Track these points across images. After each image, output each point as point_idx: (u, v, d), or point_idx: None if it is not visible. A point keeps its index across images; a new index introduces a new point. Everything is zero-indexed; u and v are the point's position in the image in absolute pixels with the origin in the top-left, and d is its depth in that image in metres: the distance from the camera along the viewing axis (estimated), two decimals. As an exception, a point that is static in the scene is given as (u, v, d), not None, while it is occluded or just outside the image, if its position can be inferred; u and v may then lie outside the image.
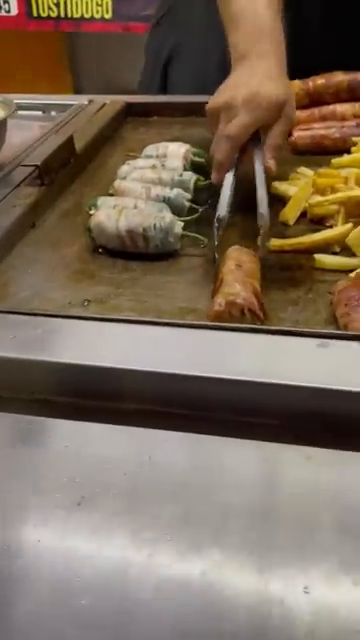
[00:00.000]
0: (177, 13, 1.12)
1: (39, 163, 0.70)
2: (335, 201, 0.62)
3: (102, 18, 2.11)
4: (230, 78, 0.72)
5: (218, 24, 0.88)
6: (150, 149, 0.80)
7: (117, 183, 0.69)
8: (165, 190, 0.67)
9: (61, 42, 2.37)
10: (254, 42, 0.73)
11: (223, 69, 0.88)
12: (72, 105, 1.04)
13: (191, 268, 0.59)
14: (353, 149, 0.81)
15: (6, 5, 2.16)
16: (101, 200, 0.66)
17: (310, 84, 0.90)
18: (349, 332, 0.44)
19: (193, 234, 0.59)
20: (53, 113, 1.07)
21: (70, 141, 0.79)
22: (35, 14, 2.15)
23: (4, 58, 2.39)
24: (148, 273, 0.58)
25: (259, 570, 0.32)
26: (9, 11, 2.17)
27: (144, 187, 0.68)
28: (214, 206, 0.71)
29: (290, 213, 0.66)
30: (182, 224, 0.59)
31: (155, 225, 0.58)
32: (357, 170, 0.66)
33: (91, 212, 0.65)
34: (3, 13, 2.17)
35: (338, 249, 0.59)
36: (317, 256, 0.57)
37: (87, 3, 2.09)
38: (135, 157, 0.82)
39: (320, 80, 0.89)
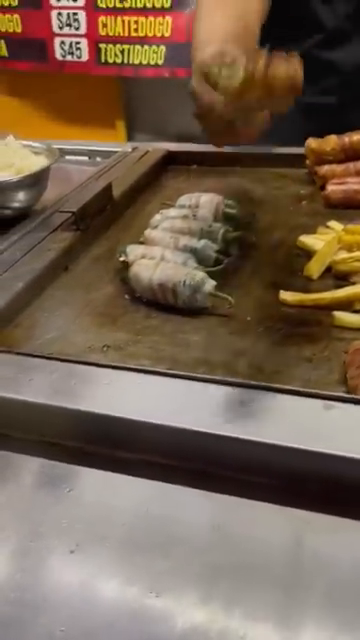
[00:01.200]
0: None
1: (75, 210, 0.74)
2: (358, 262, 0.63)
3: (156, 64, 2.23)
4: None
5: None
6: (184, 199, 0.83)
7: (148, 232, 0.72)
8: (193, 240, 0.69)
9: (117, 87, 2.50)
10: None
11: None
12: (116, 152, 1.09)
13: (211, 322, 0.60)
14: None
15: (78, 52, 2.32)
16: (130, 248, 0.68)
17: (346, 140, 0.91)
18: (356, 396, 0.44)
19: (222, 295, 0.60)
20: (98, 159, 1.12)
21: (108, 188, 0.83)
22: (103, 60, 2.30)
23: (64, 101, 2.54)
24: (168, 322, 0.60)
25: (242, 638, 0.31)
26: (80, 57, 2.33)
27: (172, 237, 0.70)
28: (242, 257, 0.73)
29: (314, 267, 0.67)
30: (213, 283, 0.60)
31: (185, 282, 0.59)
32: (384, 228, 0.66)
33: (121, 259, 0.68)
34: (75, 59, 2.33)
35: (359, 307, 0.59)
36: (336, 313, 0.57)
37: (146, 51, 2.22)
38: (170, 205, 0.85)
39: (356, 136, 0.91)
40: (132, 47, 2.24)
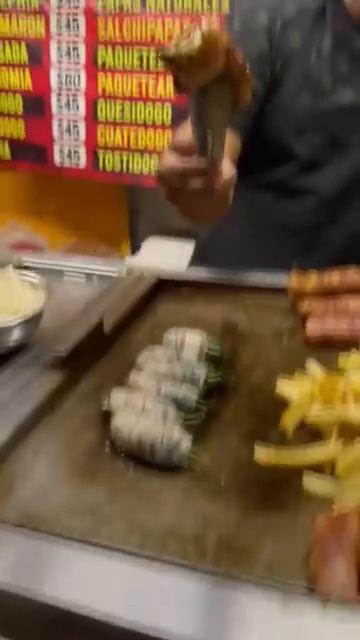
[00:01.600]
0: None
1: (65, 352, 0.77)
2: (329, 418, 0.66)
3: (157, 173, 2.36)
4: None
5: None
6: (171, 332, 0.87)
7: (132, 376, 0.76)
8: (174, 387, 0.73)
9: (122, 189, 2.64)
10: None
11: None
12: (112, 276, 1.16)
13: (187, 480, 0.62)
14: (361, 348, 0.86)
15: (76, 158, 2.46)
16: (114, 394, 0.72)
17: (325, 279, 0.97)
18: (316, 590, 0.45)
19: (197, 455, 0.63)
20: (94, 280, 1.18)
21: (100, 324, 0.87)
22: (101, 167, 2.43)
23: (68, 201, 2.68)
24: (145, 478, 0.62)
25: None
26: (78, 163, 2.47)
27: (156, 381, 0.73)
28: (222, 401, 0.76)
29: (289, 421, 0.70)
30: (188, 443, 0.63)
31: (162, 442, 0.62)
32: (356, 385, 0.70)
33: (104, 408, 0.71)
34: (72, 165, 2.47)
35: (328, 470, 0.61)
36: (305, 479, 0.59)
37: (147, 161, 2.36)
38: (158, 337, 0.89)
39: (335, 276, 0.97)
40: (131, 156, 2.38)
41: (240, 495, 0.59)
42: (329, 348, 0.90)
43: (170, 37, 2.16)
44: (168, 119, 2.27)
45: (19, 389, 0.74)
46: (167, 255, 2.40)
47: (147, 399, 0.70)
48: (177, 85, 0.61)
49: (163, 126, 2.29)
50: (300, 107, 1.08)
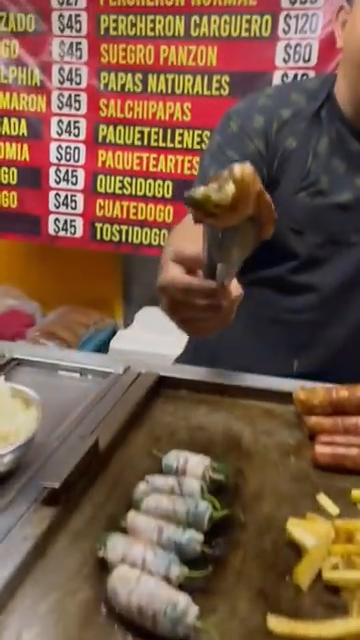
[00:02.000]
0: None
1: (57, 485, 0.71)
2: (350, 581, 0.60)
3: (158, 245, 2.36)
4: None
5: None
6: (172, 458, 0.82)
7: (131, 517, 0.69)
8: (178, 532, 0.67)
9: (117, 256, 2.63)
10: None
11: None
12: (108, 372, 1.10)
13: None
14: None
15: (72, 229, 2.45)
16: (110, 541, 0.65)
17: (333, 394, 0.93)
18: None
19: (206, 628, 0.56)
20: (90, 377, 1.13)
21: (94, 445, 0.81)
22: (98, 237, 2.43)
23: (63, 267, 2.66)
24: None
25: None
26: (74, 233, 2.46)
27: (156, 527, 0.67)
28: (229, 543, 0.70)
29: (303, 576, 0.63)
30: (196, 612, 0.56)
31: (166, 612, 0.55)
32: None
33: (100, 553, 0.65)
34: (69, 235, 2.46)
35: (352, 649, 0.55)
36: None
37: (146, 232, 2.36)
38: (158, 457, 0.84)
39: (343, 392, 0.93)
40: (130, 228, 2.38)
41: None
42: (339, 470, 0.85)
43: (171, 116, 2.21)
44: (169, 194, 2.28)
45: (6, 530, 0.67)
46: (161, 328, 2.37)
47: (147, 551, 0.63)
48: (198, 221, 0.58)
49: (164, 200, 2.30)
50: (299, 207, 1.08)
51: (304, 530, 0.70)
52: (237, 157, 1.06)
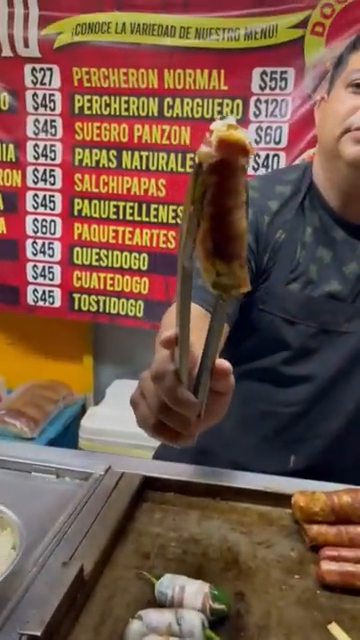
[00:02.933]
0: None
1: (39, 633, 0.62)
2: None
3: (134, 316, 2.32)
4: None
5: None
6: (166, 585, 0.73)
7: (125, 672, 0.60)
8: None
9: (89, 326, 2.57)
10: None
11: None
12: (87, 473, 1.02)
13: None
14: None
15: (50, 299, 2.41)
16: None
17: (335, 500, 0.87)
18: None
19: None
20: (67, 479, 1.04)
21: (79, 574, 0.72)
22: (76, 308, 2.38)
23: (29, 339, 2.59)
24: None
25: None
26: (53, 303, 2.41)
27: None
28: None
29: None
30: None
31: None
32: None
33: None
34: (47, 305, 2.42)
35: None
36: None
37: (123, 303, 2.33)
38: (147, 579, 0.75)
39: (345, 497, 0.87)
40: (108, 298, 2.35)
41: None
42: (347, 590, 0.78)
43: (146, 192, 2.22)
44: (145, 266, 2.27)
45: None
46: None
47: None
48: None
49: (140, 272, 2.29)
50: (290, 297, 1.06)
51: None
52: None
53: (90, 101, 2.22)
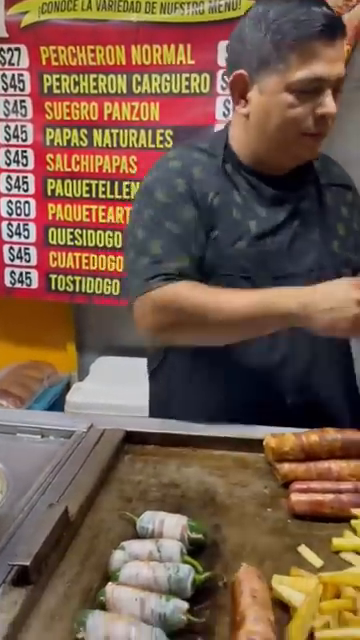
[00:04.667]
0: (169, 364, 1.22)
1: (28, 562, 0.66)
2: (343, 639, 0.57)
3: (111, 294, 2.35)
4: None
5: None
6: (146, 520, 0.78)
7: (109, 590, 0.65)
8: (161, 603, 0.63)
9: (69, 306, 2.59)
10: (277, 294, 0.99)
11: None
12: (71, 431, 1.06)
13: None
14: (353, 523, 0.80)
15: (28, 280, 2.42)
16: (90, 620, 0.61)
17: (304, 439, 0.92)
18: None
19: None
20: (52, 438, 1.08)
21: (64, 515, 0.77)
22: (53, 288, 2.40)
23: (12, 320, 2.60)
24: None
25: None
26: (30, 285, 2.43)
27: (138, 598, 0.63)
28: (213, 610, 0.66)
29: (297, 637, 0.61)
30: None
31: None
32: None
33: (79, 636, 0.60)
34: (24, 286, 2.43)
35: None
36: None
37: (99, 282, 2.35)
38: (130, 520, 0.80)
39: (313, 436, 0.92)
40: (84, 278, 2.37)
41: None
42: (317, 518, 0.84)
43: (118, 169, 2.24)
44: (119, 244, 2.29)
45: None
46: (118, 378, 2.32)
47: (131, 627, 0.59)
48: None
49: (114, 250, 2.31)
50: (240, 255, 1.09)
51: (290, 587, 0.67)
52: (176, 226, 1.07)
53: (59, 80, 2.22)
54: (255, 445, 1.00)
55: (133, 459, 1.01)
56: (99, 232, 2.32)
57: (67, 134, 2.26)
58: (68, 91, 2.21)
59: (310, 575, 0.69)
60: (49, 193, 2.33)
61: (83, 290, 2.38)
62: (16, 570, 0.67)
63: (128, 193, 2.25)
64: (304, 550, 0.76)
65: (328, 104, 1.00)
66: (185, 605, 0.63)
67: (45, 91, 2.24)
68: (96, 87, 2.18)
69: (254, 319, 1.00)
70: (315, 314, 0.94)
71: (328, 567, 0.73)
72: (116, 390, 2.22)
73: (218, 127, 2.06)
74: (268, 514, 0.86)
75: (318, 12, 0.97)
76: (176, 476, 0.96)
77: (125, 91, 2.15)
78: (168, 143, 2.18)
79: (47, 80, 2.23)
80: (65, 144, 2.27)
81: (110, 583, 0.66)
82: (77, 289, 2.38)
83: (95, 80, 2.18)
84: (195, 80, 2.07)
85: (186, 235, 1.07)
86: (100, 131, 2.22)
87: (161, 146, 2.17)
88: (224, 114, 2.06)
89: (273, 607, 0.65)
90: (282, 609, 0.66)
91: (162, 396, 1.24)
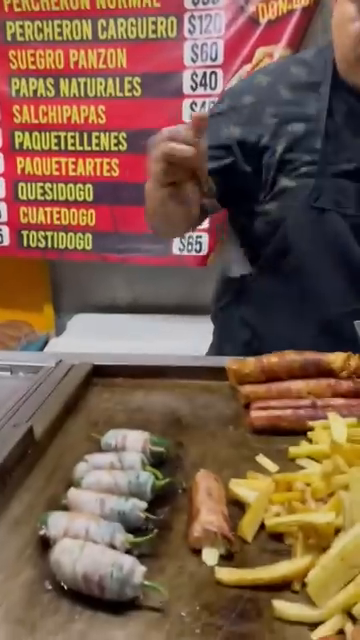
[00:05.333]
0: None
1: (-7, 472, 0.69)
2: (292, 524, 0.61)
3: (83, 249, 2.34)
4: None
5: None
6: (110, 436, 0.81)
7: (71, 494, 0.68)
8: (120, 502, 0.66)
9: (44, 264, 2.58)
10: None
11: None
12: (38, 366, 1.08)
13: (143, 620, 0.54)
14: (310, 434, 0.83)
15: (-1, 238, 2.40)
16: (52, 518, 0.63)
17: (264, 361, 0.95)
18: None
19: (154, 585, 0.55)
20: (21, 374, 1.10)
21: (29, 433, 0.79)
22: (25, 245, 2.38)
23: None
24: (94, 624, 0.54)
25: None
26: (1, 242, 2.40)
27: (98, 499, 0.66)
28: (173, 511, 0.70)
29: (247, 528, 0.64)
30: (142, 570, 0.56)
31: (112, 574, 0.54)
32: (315, 483, 0.66)
33: (41, 532, 0.63)
34: (-5, 244, 2.41)
35: (298, 587, 0.56)
36: (276, 605, 0.53)
37: (71, 237, 2.34)
38: (96, 439, 0.82)
39: (274, 358, 0.95)
40: (56, 233, 2.35)
41: (206, 630, 0.52)
42: (276, 433, 0.87)
43: (86, 119, 2.21)
44: (90, 197, 2.27)
45: None
46: (95, 334, 2.33)
47: (90, 522, 0.62)
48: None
49: (86, 204, 2.29)
50: (345, 190, 1.02)
51: (245, 487, 0.70)
52: (208, 143, 0.97)
53: (22, 27, 2.16)
54: (220, 373, 1.03)
55: (101, 390, 1.04)
56: (69, 185, 2.30)
57: (33, 84, 2.21)
58: (32, 38, 2.15)
59: (265, 477, 0.73)
60: (17, 146, 2.29)
61: (55, 246, 2.37)
62: (-19, 480, 0.69)
63: (98, 144, 2.23)
64: (261, 459, 0.79)
65: None
66: (144, 504, 0.66)
67: (8, 39, 2.18)
68: (61, 34, 2.13)
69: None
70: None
71: (283, 472, 0.76)
72: (93, 345, 2.23)
73: (186, 74, 2.04)
74: (229, 431, 0.89)
75: None
76: (142, 403, 0.98)
77: (91, 37, 2.11)
78: (137, 91, 2.15)
79: (10, 27, 2.17)
80: (31, 95, 2.22)
81: (72, 488, 0.69)
82: (49, 245, 2.37)
83: (60, 26, 2.12)
84: (162, 24, 2.03)
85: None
86: (67, 80, 2.18)
87: (129, 94, 2.14)
88: (192, 59, 2.03)
89: (229, 506, 0.69)
90: (239, 508, 0.70)
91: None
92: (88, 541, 0.59)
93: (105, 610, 0.55)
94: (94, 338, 2.29)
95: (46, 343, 2.61)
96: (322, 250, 1.05)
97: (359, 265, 1.05)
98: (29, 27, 2.14)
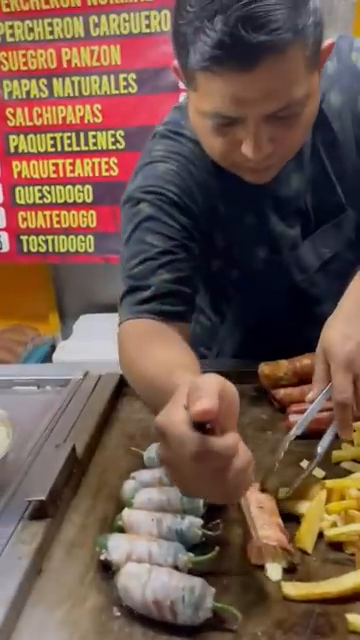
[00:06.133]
0: None
1: (44, 497, 0.68)
2: (353, 534, 0.61)
3: (85, 252, 2.32)
4: None
5: None
6: (152, 450, 0.81)
7: (126, 515, 0.67)
8: (176, 520, 0.66)
9: (47, 269, 2.56)
10: None
11: None
12: (67, 380, 1.07)
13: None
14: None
15: (-2, 245, 2.38)
16: (111, 542, 0.63)
17: (297, 364, 0.95)
18: None
19: (226, 607, 0.55)
20: (48, 388, 1.09)
21: (72, 453, 0.79)
22: (25, 250, 2.35)
23: None
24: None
25: None
26: (1, 248, 2.37)
27: (154, 519, 0.66)
28: (227, 522, 0.70)
29: (306, 540, 0.64)
30: (213, 592, 0.56)
31: (184, 598, 0.54)
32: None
33: (102, 557, 0.63)
34: (-5, 251, 2.39)
35: (367, 597, 0.57)
36: (350, 619, 0.54)
37: (72, 240, 2.32)
38: (138, 454, 0.82)
39: (305, 360, 0.95)
40: (56, 237, 2.33)
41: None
42: (315, 436, 0.87)
43: (82, 119, 2.18)
44: (90, 198, 2.25)
45: (-2, 552, 0.63)
46: (102, 334, 2.32)
47: (151, 543, 0.62)
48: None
49: (86, 205, 2.27)
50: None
51: (296, 498, 0.71)
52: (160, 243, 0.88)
53: (12, 27, 2.12)
54: (246, 377, 1.02)
55: (132, 400, 1.03)
56: (68, 187, 2.28)
57: (26, 85, 2.18)
58: (22, 38, 2.12)
59: (314, 485, 0.73)
60: (12, 150, 2.26)
61: (56, 250, 2.34)
62: (33, 505, 0.69)
63: (95, 144, 2.20)
64: (306, 464, 0.79)
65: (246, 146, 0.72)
66: (200, 521, 0.66)
67: (-2, 40, 2.14)
68: (52, 32, 2.09)
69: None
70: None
71: (330, 477, 0.77)
72: (101, 345, 2.22)
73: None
74: (268, 436, 0.89)
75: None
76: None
77: (83, 35, 2.07)
78: (132, 88, 2.12)
79: (-1, 28, 2.12)
80: (24, 96, 2.19)
81: (126, 509, 0.69)
82: (50, 249, 2.35)
83: (50, 25, 2.09)
84: (155, 18, 2.00)
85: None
86: (60, 80, 2.15)
87: (125, 91, 2.12)
88: (187, 53, 2.00)
89: (281, 517, 0.69)
90: (292, 519, 0.70)
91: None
92: (152, 564, 0.59)
93: (180, 634, 0.55)
94: (102, 338, 2.28)
95: (53, 347, 2.60)
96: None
97: None
98: (19, 27, 2.10)
